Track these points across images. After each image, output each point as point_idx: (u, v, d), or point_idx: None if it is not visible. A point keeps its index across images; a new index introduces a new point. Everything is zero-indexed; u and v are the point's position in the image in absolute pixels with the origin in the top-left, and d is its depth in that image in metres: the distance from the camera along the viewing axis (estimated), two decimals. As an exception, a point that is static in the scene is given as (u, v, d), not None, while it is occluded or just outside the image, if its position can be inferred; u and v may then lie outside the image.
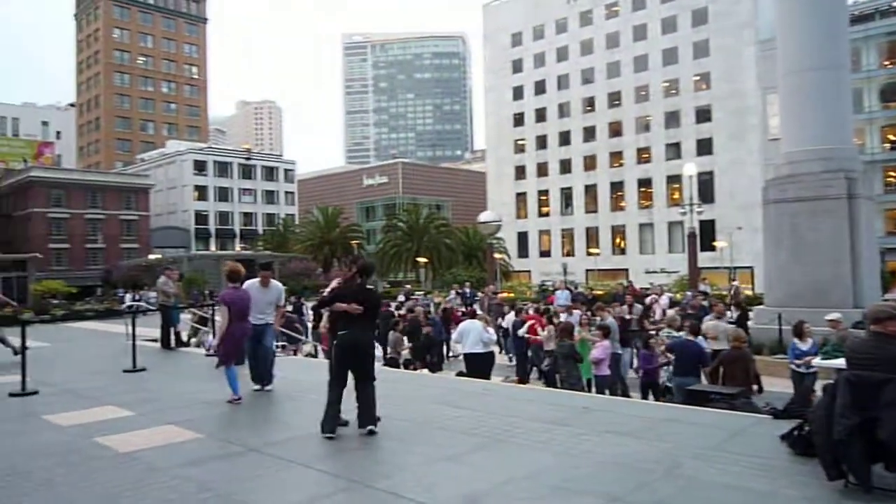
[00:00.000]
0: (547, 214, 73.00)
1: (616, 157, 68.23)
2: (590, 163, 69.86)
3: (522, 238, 73.54)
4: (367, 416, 6.30)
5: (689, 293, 21.52)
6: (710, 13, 61.59)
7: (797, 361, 10.27)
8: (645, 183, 66.16)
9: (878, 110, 53.99)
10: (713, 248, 51.94)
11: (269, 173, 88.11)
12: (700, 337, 10.76)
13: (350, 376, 6.33)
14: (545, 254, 72.04)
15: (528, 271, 69.48)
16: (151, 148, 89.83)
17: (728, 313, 14.90)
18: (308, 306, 19.98)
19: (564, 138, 71.76)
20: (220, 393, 8.15)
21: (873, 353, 4.34)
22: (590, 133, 70.05)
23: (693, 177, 30.91)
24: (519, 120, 75.59)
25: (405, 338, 15.44)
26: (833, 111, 15.63)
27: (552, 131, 72.70)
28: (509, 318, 16.87)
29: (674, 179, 61.95)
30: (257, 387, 8.62)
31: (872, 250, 15.99)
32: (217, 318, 8.63)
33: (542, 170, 73.23)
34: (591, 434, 6.14)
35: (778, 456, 5.22)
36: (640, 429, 6.34)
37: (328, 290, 6.89)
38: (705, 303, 17.25)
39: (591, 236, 69.09)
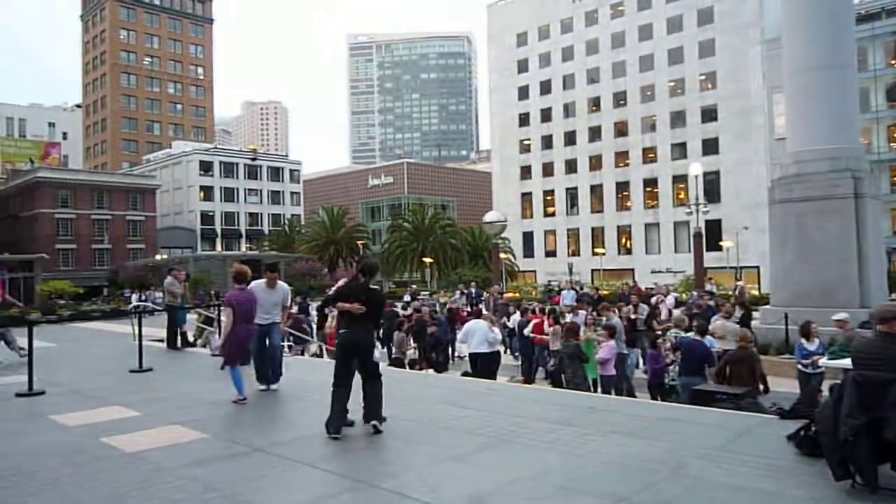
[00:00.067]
0: (552, 214, 72.92)
1: (622, 156, 68.10)
2: (595, 163, 69.74)
3: (528, 238, 73.46)
4: (373, 412, 6.33)
5: (694, 293, 21.48)
6: (716, 13, 61.41)
7: (804, 361, 10.24)
8: (651, 183, 66.01)
9: (885, 109, 53.73)
10: (719, 248, 51.79)
11: (275, 174, 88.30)
12: (708, 337, 10.74)
13: (357, 376, 6.37)
14: (551, 254, 71.96)
15: (534, 271, 69.42)
16: (157, 148, 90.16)
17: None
18: (313, 306, 20.04)
19: (570, 138, 71.66)
20: (225, 393, 8.17)
21: (880, 353, 4.32)
22: (595, 133, 69.94)
23: (699, 176, 30.87)
24: (524, 120, 75.53)
25: (410, 338, 15.46)
26: (839, 110, 15.57)
27: (558, 131, 72.62)
28: (515, 318, 16.89)
29: (680, 179, 61.82)
30: (262, 387, 8.65)
31: (879, 250, 15.93)
32: (223, 318, 8.69)
33: (548, 170, 73.15)
34: (597, 434, 6.13)
35: (784, 456, 5.21)
36: (646, 429, 6.33)
37: (334, 289, 6.91)
38: (711, 303, 17.21)
39: (597, 236, 68.97)
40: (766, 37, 55.79)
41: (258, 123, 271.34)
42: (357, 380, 6.40)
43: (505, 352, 16.14)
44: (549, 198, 73.28)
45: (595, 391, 10.59)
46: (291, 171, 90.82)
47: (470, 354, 12.66)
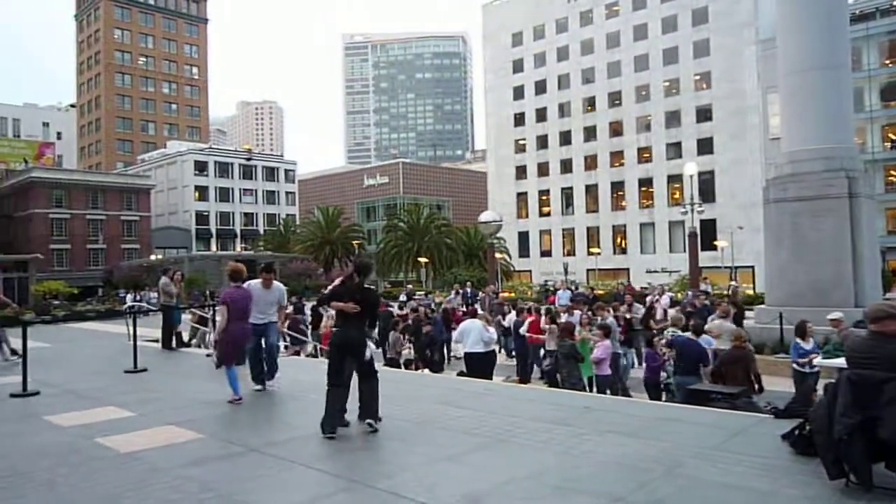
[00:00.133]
0: (548, 214, 73.00)
1: (617, 156, 68.21)
2: (591, 162, 69.84)
3: (523, 238, 73.53)
4: (368, 410, 6.39)
5: (689, 293, 21.53)
6: (711, 13, 61.55)
7: (800, 361, 10.25)
8: (646, 182, 66.13)
9: (879, 109, 53.95)
10: (714, 248, 51.92)
11: (270, 174, 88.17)
12: (705, 336, 10.78)
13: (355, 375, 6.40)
14: (546, 253, 72.03)
15: (529, 271, 69.47)
16: (152, 148, 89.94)
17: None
18: (308, 307, 20.00)
19: (565, 138, 71.74)
20: (221, 393, 8.16)
21: (874, 353, 4.34)
22: (590, 133, 70.03)
23: (694, 176, 30.94)
24: (519, 120, 75.58)
25: (404, 337, 15.45)
26: (834, 110, 15.63)
27: (553, 131, 72.69)
28: (510, 318, 16.90)
29: (675, 179, 61.94)
30: (258, 387, 8.65)
31: (873, 249, 15.99)
32: (217, 317, 8.69)
33: (543, 169, 73.22)
34: (593, 434, 6.14)
35: (779, 455, 5.22)
36: (642, 428, 6.34)
37: (329, 289, 6.92)
38: (707, 302, 17.26)
39: (592, 236, 69.07)
40: (761, 37, 55.95)
41: (253, 123, 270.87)
42: (354, 379, 6.42)
43: (499, 351, 16.16)
44: (544, 198, 73.36)
45: (590, 391, 10.60)
46: (286, 171, 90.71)
47: (465, 354, 12.66)
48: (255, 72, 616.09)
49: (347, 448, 5.95)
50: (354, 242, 69.33)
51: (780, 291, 15.80)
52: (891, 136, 54.29)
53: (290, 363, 11.12)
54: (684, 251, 44.72)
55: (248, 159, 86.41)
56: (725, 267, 50.30)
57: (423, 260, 59.99)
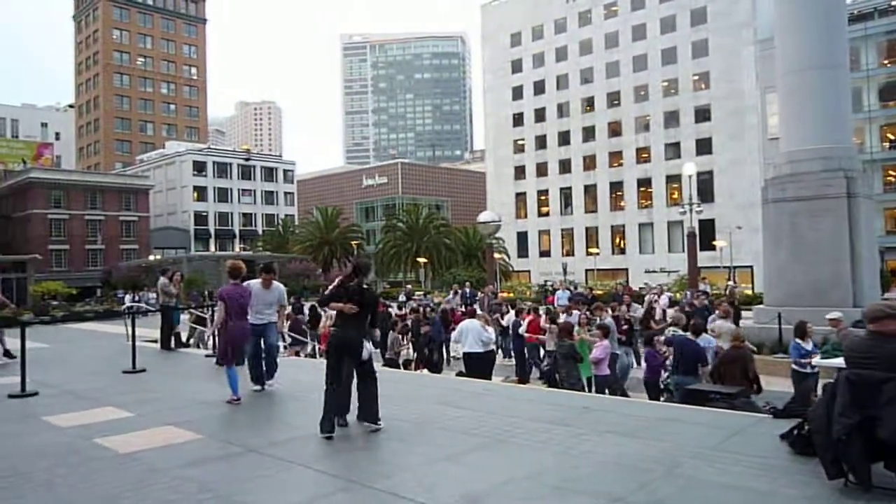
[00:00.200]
0: (546, 214, 73.02)
1: (615, 156, 68.24)
2: (589, 163, 69.86)
3: (522, 238, 73.55)
4: (367, 411, 6.41)
5: (688, 293, 21.55)
6: (709, 13, 61.59)
7: (802, 361, 10.19)
8: (644, 183, 66.16)
9: (878, 109, 53.99)
10: (713, 248, 51.94)
11: (269, 174, 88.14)
12: (706, 335, 10.80)
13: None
14: (545, 254, 72.05)
15: (528, 271, 69.47)
16: (151, 149, 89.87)
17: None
18: (307, 307, 19.99)
19: (564, 138, 71.76)
20: (219, 393, 8.16)
21: (872, 352, 4.34)
22: (589, 133, 70.05)
23: (692, 176, 30.96)
24: (518, 120, 75.60)
25: (403, 337, 15.45)
26: (832, 110, 15.64)
27: (551, 131, 72.70)
28: (509, 317, 16.89)
29: (673, 179, 61.96)
30: (257, 387, 8.64)
31: (872, 249, 16.00)
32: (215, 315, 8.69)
33: (542, 170, 73.24)
34: (592, 434, 6.14)
35: (778, 455, 5.22)
36: (640, 428, 6.34)
37: (329, 289, 6.93)
38: (706, 301, 17.28)
39: (591, 236, 69.09)
40: (759, 37, 55.99)
41: (252, 123, 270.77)
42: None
43: (496, 351, 16.13)
44: (543, 198, 73.38)
45: (589, 391, 10.60)
46: (285, 171, 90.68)
47: (464, 354, 12.66)
48: (253, 72, 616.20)
49: (346, 448, 5.95)
50: (353, 243, 69.32)
51: (778, 291, 15.81)
52: (889, 135, 54.34)
53: (289, 363, 11.11)
54: (683, 251, 44.80)
55: (247, 159, 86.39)
56: (724, 267, 50.32)
57: (421, 260, 59.99)
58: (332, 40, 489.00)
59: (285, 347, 14.16)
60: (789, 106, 16.28)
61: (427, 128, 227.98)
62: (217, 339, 8.05)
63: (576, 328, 11.75)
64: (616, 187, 68.10)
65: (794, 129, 16.08)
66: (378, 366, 8.69)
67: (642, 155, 66.39)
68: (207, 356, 12.45)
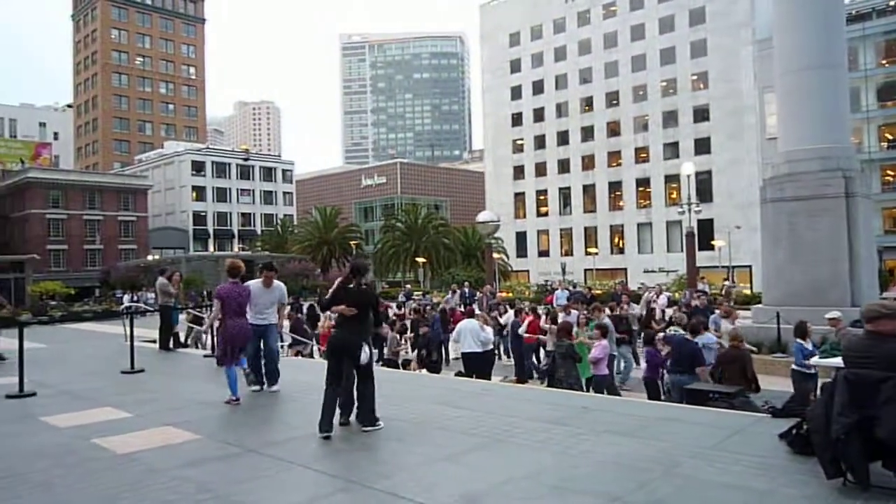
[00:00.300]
0: (545, 214, 73.03)
1: (614, 156, 68.27)
2: (588, 162, 69.89)
3: (521, 238, 73.56)
4: (363, 413, 6.45)
5: (686, 292, 21.56)
6: (708, 13, 61.63)
7: (807, 362, 10.07)
8: (643, 182, 66.20)
9: (876, 109, 54.03)
10: (711, 248, 51.99)
11: (268, 174, 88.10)
12: (708, 334, 10.80)
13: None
14: (544, 253, 72.07)
15: (527, 271, 69.48)
16: (149, 149, 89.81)
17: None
18: (305, 307, 19.99)
19: (563, 138, 71.79)
20: (218, 394, 8.15)
21: (870, 352, 4.34)
22: (588, 133, 70.08)
23: (691, 176, 30.96)
24: (517, 120, 75.61)
25: (401, 337, 15.45)
26: (830, 110, 15.65)
27: (550, 131, 72.73)
28: (507, 317, 16.89)
29: (672, 179, 62.00)
30: (255, 387, 8.61)
31: (870, 249, 16.00)
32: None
33: (541, 169, 73.25)
34: (590, 434, 6.14)
35: (777, 455, 5.22)
36: (639, 428, 6.34)
37: (330, 292, 6.94)
38: (706, 301, 17.32)
39: (590, 236, 69.13)
40: (758, 37, 56.03)
41: (250, 123, 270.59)
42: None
43: (496, 351, 16.12)
44: (541, 197, 73.39)
45: (587, 391, 10.60)
46: (284, 171, 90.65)
47: (462, 354, 12.66)
48: (252, 72, 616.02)
49: (345, 448, 5.95)
50: (352, 243, 69.30)
51: (777, 291, 15.82)
52: (887, 135, 54.39)
53: (289, 363, 11.09)
54: (682, 251, 44.82)
55: (246, 159, 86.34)
56: (723, 266, 50.36)
57: (420, 260, 59.98)
58: (330, 40, 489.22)
59: (289, 346, 14.16)
60: (787, 106, 16.28)
61: (426, 128, 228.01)
62: (214, 338, 8.01)
63: (575, 329, 11.74)
64: (615, 187, 68.14)
65: (793, 128, 16.08)
66: (377, 366, 8.68)
67: (641, 155, 66.43)
68: (206, 356, 12.44)
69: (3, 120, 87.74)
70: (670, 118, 64.47)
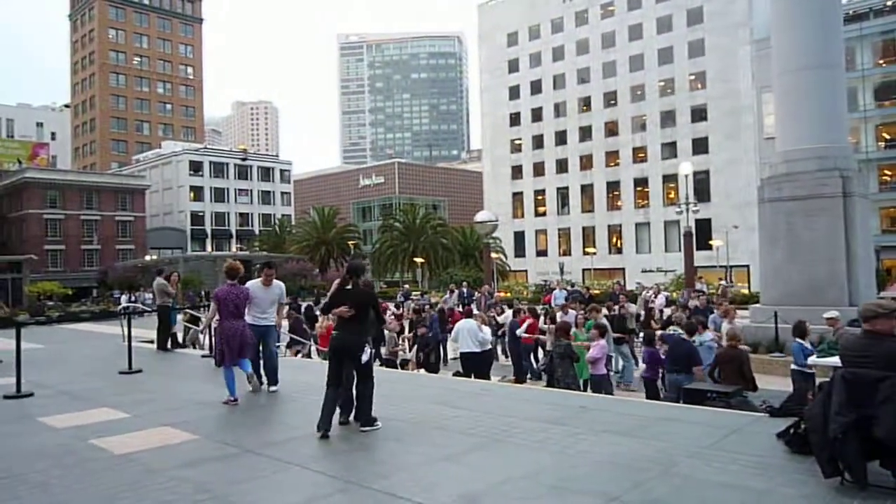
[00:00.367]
0: (543, 214, 73.04)
1: (612, 156, 68.31)
2: (586, 162, 69.91)
3: (519, 238, 73.57)
4: (361, 413, 6.47)
5: (684, 292, 21.59)
6: (706, 13, 61.68)
7: (808, 362, 10.04)
8: (641, 182, 66.25)
9: (873, 109, 54.12)
10: (709, 247, 52.05)
11: (266, 174, 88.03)
12: (708, 333, 10.81)
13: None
14: (542, 253, 72.08)
15: (525, 271, 69.51)
16: (147, 149, 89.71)
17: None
18: (303, 307, 19.97)
19: (561, 138, 71.81)
20: (216, 394, 8.14)
21: (867, 351, 4.36)
22: (586, 132, 70.11)
23: (689, 176, 31.01)
24: (515, 120, 75.62)
25: (398, 336, 15.44)
26: (828, 110, 15.67)
27: (548, 131, 72.75)
28: (505, 317, 16.89)
29: (670, 179, 62.06)
30: (255, 389, 8.59)
31: (868, 248, 16.03)
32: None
33: (539, 169, 73.27)
34: (588, 433, 6.14)
35: (774, 454, 5.23)
36: (637, 428, 6.35)
37: (329, 294, 6.94)
38: (704, 300, 17.33)
39: (588, 236, 69.16)
40: (756, 37, 56.09)
41: (248, 123, 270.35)
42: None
43: (494, 351, 16.12)
44: (539, 197, 73.40)
45: (585, 390, 10.61)
46: (282, 171, 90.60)
47: (460, 354, 12.66)
48: (250, 72, 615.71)
49: (344, 448, 5.95)
50: (350, 243, 69.27)
51: (774, 290, 15.84)
52: (885, 135, 54.48)
53: (288, 363, 11.09)
54: (679, 251, 44.80)
55: (244, 159, 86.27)
56: (721, 266, 50.44)
57: (419, 260, 59.96)
58: (328, 40, 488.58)
59: (286, 347, 14.14)
60: (785, 105, 16.30)
61: (424, 127, 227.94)
62: (212, 339, 8.00)
63: (573, 329, 11.75)
64: (613, 187, 68.18)
65: (790, 128, 16.10)
66: (375, 365, 8.66)
67: (639, 154, 66.47)
68: (204, 356, 12.43)
69: (1, 120, 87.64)
70: (668, 118, 64.52)
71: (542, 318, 15.35)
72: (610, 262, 65.76)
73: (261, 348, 8.67)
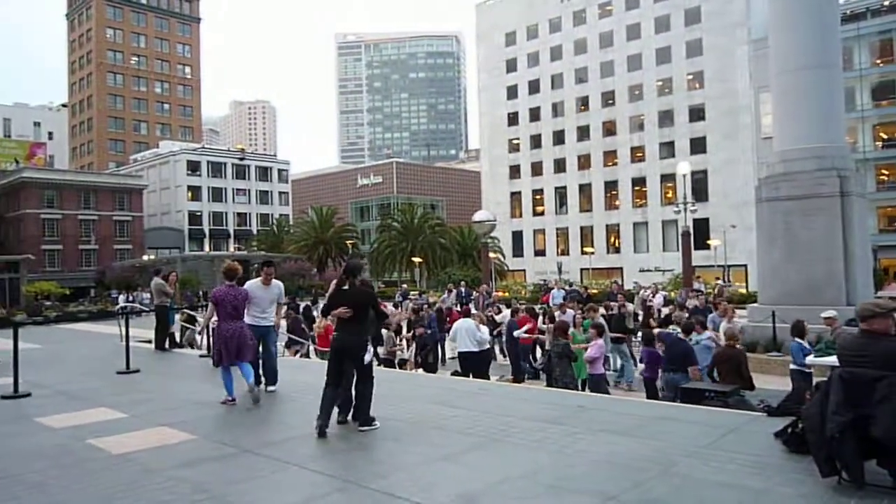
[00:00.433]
0: (541, 213, 73.06)
1: (610, 156, 68.34)
2: (584, 162, 69.94)
3: (517, 237, 73.57)
4: (359, 412, 6.48)
5: (682, 291, 21.62)
6: (703, 12, 61.74)
7: (808, 361, 10.05)
8: (639, 182, 66.29)
9: (870, 108, 54.23)
10: (707, 247, 52.12)
11: (263, 173, 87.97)
12: (707, 333, 10.81)
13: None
14: (540, 253, 72.10)
15: (523, 270, 69.53)
16: (144, 148, 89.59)
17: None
18: (301, 307, 19.95)
19: (559, 137, 71.83)
20: (213, 394, 8.14)
21: (864, 351, 4.36)
22: (584, 132, 70.14)
23: (687, 175, 31.02)
24: (513, 119, 75.62)
25: (396, 336, 15.43)
26: (825, 109, 15.69)
27: (546, 130, 72.76)
28: (503, 316, 16.88)
29: (668, 178, 62.10)
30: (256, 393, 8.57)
31: (865, 248, 16.06)
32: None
33: (537, 169, 73.28)
34: (586, 433, 6.15)
35: (772, 453, 5.24)
36: (635, 427, 6.36)
37: (327, 296, 6.93)
38: (703, 300, 17.36)
39: (586, 235, 69.19)
40: (753, 37, 56.15)
41: (246, 123, 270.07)
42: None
43: (493, 350, 16.12)
44: (538, 197, 73.42)
45: (583, 390, 10.61)
46: (280, 170, 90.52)
47: (458, 354, 12.66)
48: (248, 71, 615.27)
49: (342, 448, 5.95)
50: (348, 242, 69.22)
51: (772, 290, 15.86)
52: (882, 135, 54.59)
53: (285, 363, 11.07)
54: (677, 250, 44.83)
55: (241, 159, 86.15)
56: (718, 266, 50.49)
57: (417, 260, 59.94)
58: (326, 39, 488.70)
59: (285, 347, 14.13)
60: (783, 105, 16.31)
61: (422, 127, 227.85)
62: (210, 339, 7.99)
63: (571, 330, 11.76)
64: (611, 186, 68.21)
65: (788, 128, 16.12)
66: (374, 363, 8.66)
67: (637, 154, 66.52)
68: (202, 356, 12.42)
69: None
70: (666, 118, 64.57)
71: (540, 317, 15.35)
72: (608, 262, 65.80)
73: (260, 349, 8.66)
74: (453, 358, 14.48)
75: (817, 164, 15.30)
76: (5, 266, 37.36)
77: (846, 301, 14.25)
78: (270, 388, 8.65)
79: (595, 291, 26.97)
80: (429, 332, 15.07)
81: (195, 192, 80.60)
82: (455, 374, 12.06)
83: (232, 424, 7.05)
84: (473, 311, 15.16)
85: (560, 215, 71.46)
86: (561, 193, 71.69)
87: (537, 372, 13.69)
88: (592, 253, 64.39)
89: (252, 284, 8.56)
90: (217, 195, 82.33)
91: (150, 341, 14.10)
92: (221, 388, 7.93)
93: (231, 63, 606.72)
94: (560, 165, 71.61)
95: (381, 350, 14.28)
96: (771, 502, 4.28)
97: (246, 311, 8.21)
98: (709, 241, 52.61)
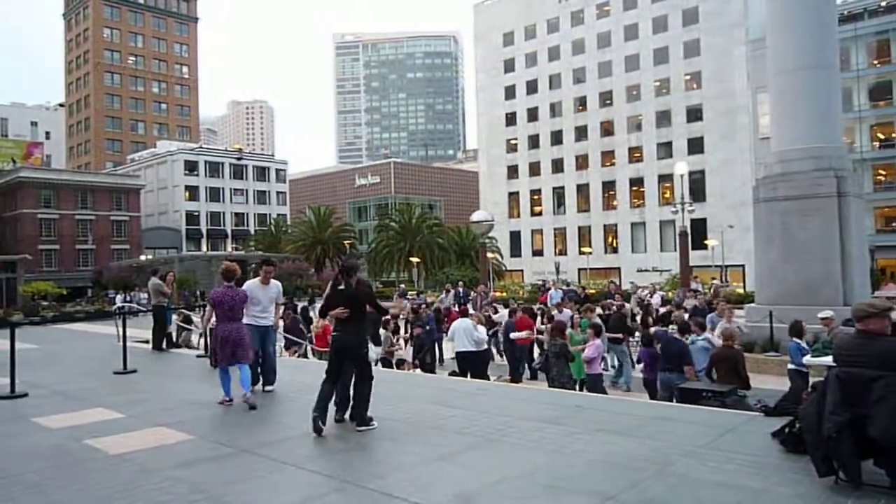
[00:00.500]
0: (539, 214, 73.09)
1: (608, 156, 68.39)
2: (582, 162, 70.00)
3: (515, 237, 73.60)
4: (357, 412, 6.48)
5: (680, 291, 21.65)
6: (701, 13, 61.81)
7: (804, 361, 10.07)
8: (637, 182, 66.36)
9: (868, 109, 54.33)
10: (705, 247, 52.16)
11: (261, 173, 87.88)
12: (707, 334, 10.82)
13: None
14: (538, 253, 72.14)
15: (521, 270, 69.57)
16: (142, 148, 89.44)
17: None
18: (300, 307, 19.94)
19: (556, 138, 71.88)
20: (211, 394, 8.13)
21: (861, 351, 4.37)
22: (582, 132, 70.19)
23: (684, 176, 31.07)
24: (511, 119, 75.65)
25: (393, 336, 15.43)
26: (823, 110, 15.71)
27: (544, 131, 72.80)
28: (500, 316, 16.89)
29: (665, 178, 62.17)
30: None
31: (862, 248, 16.08)
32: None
33: (535, 169, 73.33)
34: (584, 433, 6.15)
35: (769, 453, 5.25)
36: (633, 427, 6.36)
37: (324, 297, 6.92)
38: (703, 300, 17.39)
39: (584, 235, 69.23)
40: (751, 37, 56.24)
41: (244, 123, 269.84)
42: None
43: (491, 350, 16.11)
44: (535, 197, 73.46)
45: (581, 390, 10.62)
46: (277, 170, 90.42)
47: (456, 353, 12.66)
48: (245, 71, 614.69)
49: (339, 448, 5.94)
50: (346, 242, 69.16)
51: (769, 290, 15.89)
52: (879, 135, 54.70)
53: (283, 363, 11.06)
54: (675, 250, 44.88)
55: (239, 159, 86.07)
56: (716, 266, 50.54)
57: (414, 260, 59.92)
58: (324, 39, 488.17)
59: (284, 347, 14.12)
60: (780, 105, 16.34)
61: (420, 127, 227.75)
62: (208, 340, 7.98)
63: (568, 331, 11.76)
64: (608, 187, 68.26)
65: (785, 128, 16.14)
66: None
67: (634, 154, 66.58)
68: (199, 357, 12.41)
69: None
70: (663, 118, 64.64)
71: (538, 317, 15.35)
72: (606, 262, 65.84)
73: (259, 350, 8.65)
74: (452, 358, 14.48)
75: (815, 165, 15.33)
76: (2, 266, 37.30)
77: (843, 301, 14.28)
78: (268, 387, 8.64)
79: (593, 291, 27.00)
80: (427, 328, 15.07)
81: (192, 192, 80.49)
82: (453, 374, 12.06)
83: (229, 424, 7.05)
84: (471, 311, 15.17)
85: (558, 215, 71.51)
86: (559, 193, 71.74)
87: (535, 372, 13.70)
88: (590, 253, 64.44)
89: (251, 284, 8.55)
90: (214, 195, 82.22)
91: (147, 341, 14.08)
92: (219, 388, 7.93)
93: (229, 63, 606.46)
94: (558, 165, 71.65)
95: (378, 350, 14.29)
96: (768, 502, 4.28)
97: (245, 310, 8.20)
98: (706, 242, 52.65)
